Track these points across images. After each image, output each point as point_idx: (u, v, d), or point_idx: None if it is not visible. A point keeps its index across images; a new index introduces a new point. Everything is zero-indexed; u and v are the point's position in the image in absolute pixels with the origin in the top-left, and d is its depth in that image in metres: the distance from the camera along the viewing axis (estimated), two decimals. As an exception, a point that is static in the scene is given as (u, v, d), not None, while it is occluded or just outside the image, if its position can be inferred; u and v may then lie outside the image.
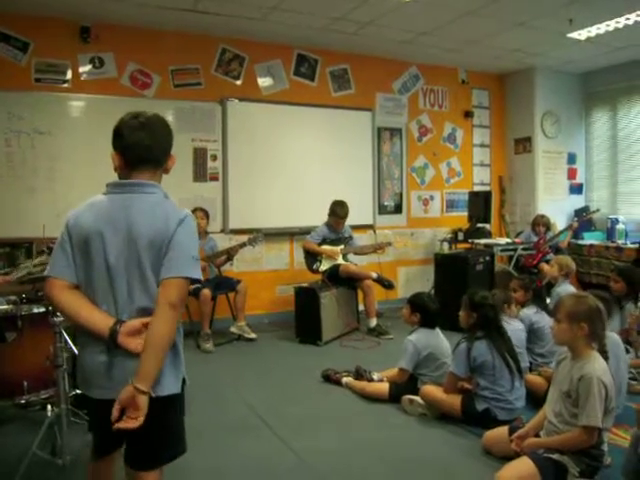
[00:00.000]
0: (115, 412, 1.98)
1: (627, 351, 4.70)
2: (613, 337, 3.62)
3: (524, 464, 2.86)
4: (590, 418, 2.79)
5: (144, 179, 2.16)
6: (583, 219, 8.35)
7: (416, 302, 4.52)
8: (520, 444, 3.09)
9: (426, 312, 4.46)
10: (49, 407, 3.36)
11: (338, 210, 6.71)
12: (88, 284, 2.12)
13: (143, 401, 1.97)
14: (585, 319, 2.96)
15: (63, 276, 2.10)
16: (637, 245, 7.60)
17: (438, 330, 4.51)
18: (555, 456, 2.88)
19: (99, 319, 2.06)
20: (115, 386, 2.05)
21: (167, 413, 2.18)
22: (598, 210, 8.32)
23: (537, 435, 3.12)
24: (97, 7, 5.92)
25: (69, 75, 6.28)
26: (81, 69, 6.33)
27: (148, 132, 2.15)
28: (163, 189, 2.21)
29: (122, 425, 1.96)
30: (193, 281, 2.13)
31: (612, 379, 2.91)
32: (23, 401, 3.79)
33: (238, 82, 7.18)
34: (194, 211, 6.40)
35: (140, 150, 2.14)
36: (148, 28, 6.55)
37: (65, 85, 6.27)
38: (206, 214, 6.49)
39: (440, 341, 4.43)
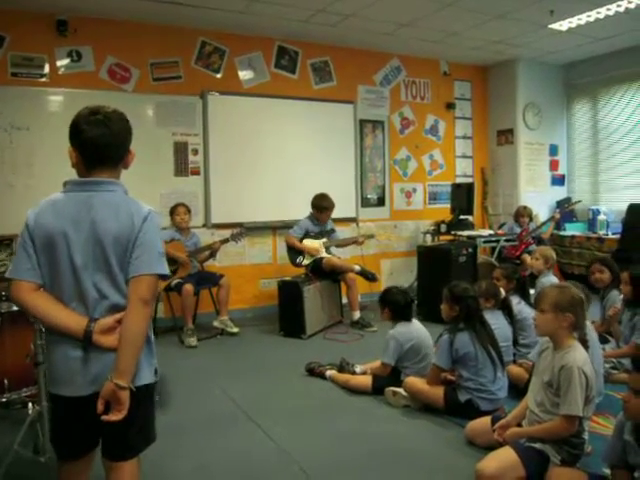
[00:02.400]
0: (100, 406, 2.02)
1: (607, 341, 4.75)
2: (587, 325, 3.64)
3: (506, 454, 2.87)
4: (571, 407, 2.81)
5: (104, 176, 2.15)
6: (565, 210, 8.39)
7: (384, 298, 4.56)
8: (502, 434, 3.10)
9: (395, 306, 4.48)
10: (30, 405, 3.33)
11: (324, 203, 6.69)
12: (54, 284, 2.10)
13: (125, 395, 2.02)
14: (570, 309, 2.98)
15: (29, 278, 2.08)
16: (618, 236, 7.64)
17: (416, 321, 4.53)
18: (537, 445, 2.90)
19: (72, 319, 2.05)
20: (92, 382, 2.07)
21: (144, 402, 2.22)
22: (580, 201, 8.38)
23: (519, 425, 3.14)
24: (74, 0, 5.85)
25: (46, 69, 6.20)
26: (59, 63, 6.25)
27: (108, 129, 2.13)
28: (124, 185, 2.22)
29: (108, 418, 2.02)
30: (161, 277, 2.15)
31: (592, 368, 2.93)
32: (4, 399, 3.74)
33: (218, 75, 7.14)
34: (175, 207, 6.37)
35: (100, 148, 2.13)
36: (126, 21, 6.48)
37: (43, 79, 6.19)
38: (188, 210, 6.44)
39: (421, 333, 4.44)
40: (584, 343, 3.01)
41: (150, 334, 2.23)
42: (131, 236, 2.08)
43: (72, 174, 2.22)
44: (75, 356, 2.08)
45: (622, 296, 4.82)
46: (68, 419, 2.19)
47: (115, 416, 2.02)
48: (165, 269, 2.17)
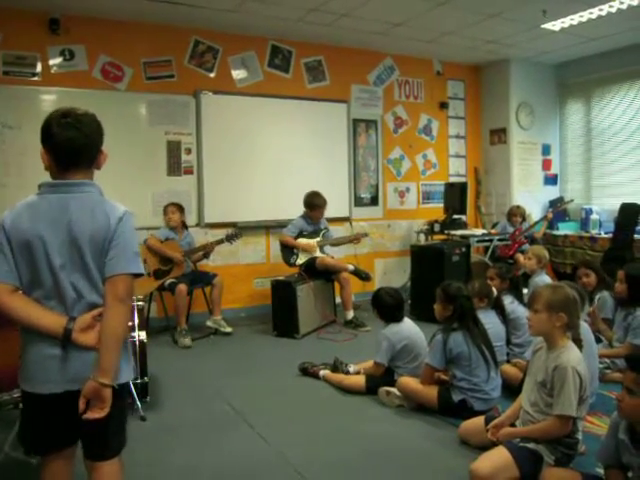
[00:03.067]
0: (81, 405, 2.05)
1: (600, 340, 4.75)
2: (583, 326, 3.65)
3: (500, 454, 2.87)
4: (565, 407, 2.81)
5: (79, 178, 2.16)
6: (558, 209, 8.41)
7: (373, 299, 4.57)
8: (496, 433, 3.11)
9: (381, 307, 4.49)
10: (21, 406, 3.31)
11: (317, 200, 6.69)
12: (32, 286, 2.12)
13: (108, 393, 2.05)
14: (563, 308, 2.98)
15: (6, 280, 2.08)
16: (611, 235, 7.67)
17: (408, 320, 4.53)
18: (530, 445, 2.90)
19: (51, 319, 2.08)
20: (69, 380, 2.10)
21: (123, 400, 2.30)
22: (572, 200, 8.40)
23: (513, 425, 3.14)
24: (66, -2, 5.84)
25: (39, 68, 6.17)
26: (51, 62, 6.22)
27: (79, 131, 2.12)
28: (99, 186, 2.22)
29: (90, 415, 2.05)
30: (136, 276, 2.18)
31: (586, 368, 2.94)
32: (-5, 400, 3.73)
33: (212, 74, 7.12)
34: (166, 206, 6.35)
35: (72, 150, 2.13)
36: (119, 20, 6.45)
37: (35, 78, 6.16)
38: (180, 208, 6.41)
39: (414, 332, 4.44)
40: (578, 343, 3.02)
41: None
42: (107, 236, 2.11)
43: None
44: (53, 354, 2.10)
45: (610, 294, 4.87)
46: (42, 416, 2.20)
47: (97, 414, 2.05)
48: (140, 268, 2.20)
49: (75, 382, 2.09)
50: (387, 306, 4.47)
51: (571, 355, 2.92)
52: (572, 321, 3.00)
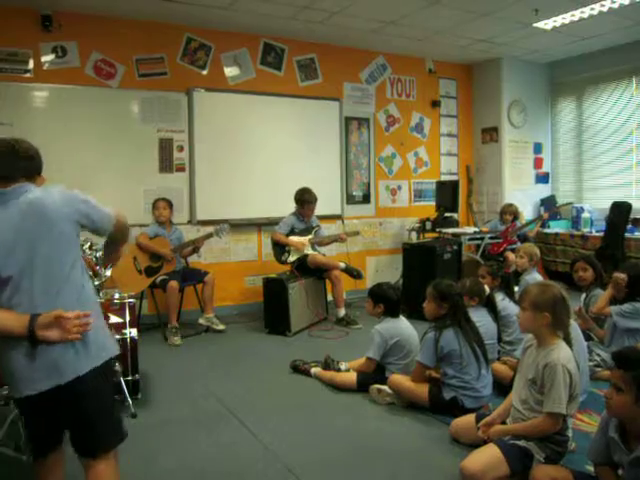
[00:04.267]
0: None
1: (591, 338, 4.77)
2: (572, 324, 3.66)
3: (491, 451, 2.89)
4: (555, 405, 2.83)
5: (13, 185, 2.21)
6: (554, 211, 8.46)
7: (378, 293, 4.55)
8: (487, 431, 3.12)
9: (389, 301, 4.48)
10: (12, 403, 3.31)
11: (307, 196, 6.68)
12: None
13: None
14: (548, 308, 3.00)
15: None
16: (602, 233, 7.70)
17: (403, 318, 4.54)
18: (521, 442, 2.91)
19: (12, 320, 2.08)
20: (41, 377, 2.11)
21: (109, 379, 2.37)
22: (570, 203, 8.44)
23: (504, 422, 3.16)
24: (58, -6, 5.81)
25: (31, 65, 6.13)
26: (43, 58, 6.18)
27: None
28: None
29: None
30: None
31: (577, 366, 2.95)
32: (-16, 398, 3.72)
33: (204, 72, 7.11)
34: (156, 201, 6.34)
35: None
36: (112, 17, 6.43)
37: (27, 75, 6.12)
38: (169, 204, 6.40)
39: (407, 330, 4.45)
40: (568, 342, 3.03)
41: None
42: (62, 216, 2.19)
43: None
44: (23, 354, 2.10)
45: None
46: (30, 415, 2.24)
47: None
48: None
49: (56, 373, 2.11)
50: (390, 300, 4.47)
51: (561, 353, 2.93)
52: (558, 321, 3.01)
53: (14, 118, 5.96)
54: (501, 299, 4.72)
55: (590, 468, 2.76)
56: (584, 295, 5.09)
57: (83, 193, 2.30)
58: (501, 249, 7.65)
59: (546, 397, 2.88)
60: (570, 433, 3.01)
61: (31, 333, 2.04)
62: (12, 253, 2.09)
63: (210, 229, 6.44)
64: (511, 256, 7.13)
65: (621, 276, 4.58)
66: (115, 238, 2.56)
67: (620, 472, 2.49)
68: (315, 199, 6.73)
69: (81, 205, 2.24)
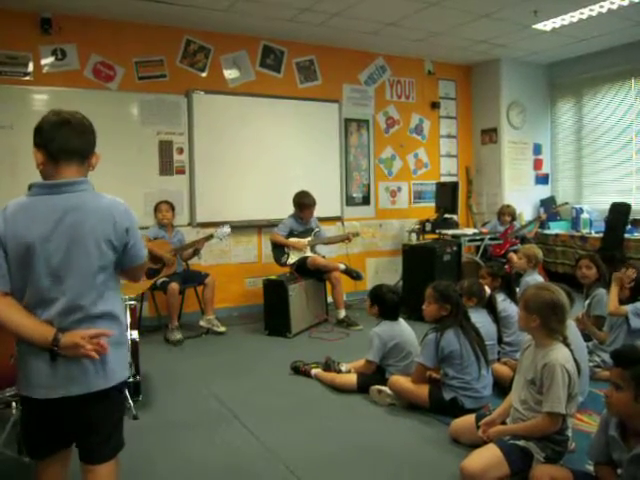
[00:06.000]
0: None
1: (590, 339, 4.77)
2: (570, 324, 3.67)
3: (491, 451, 2.90)
4: (554, 405, 2.84)
5: (72, 177, 2.14)
6: (552, 211, 8.46)
7: (374, 294, 4.56)
8: (487, 431, 3.13)
9: (383, 304, 4.48)
10: (14, 405, 3.31)
11: (306, 200, 6.69)
12: (24, 291, 2.10)
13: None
14: (536, 311, 3.03)
15: None
16: (601, 234, 7.70)
17: (402, 320, 4.54)
18: (521, 442, 2.92)
19: (36, 331, 2.05)
20: (55, 385, 2.09)
21: (120, 399, 2.33)
22: (567, 203, 8.43)
23: (504, 422, 3.16)
24: (58, -3, 5.82)
25: (31, 67, 6.14)
26: (43, 61, 6.20)
27: (73, 130, 2.14)
28: (91, 183, 2.20)
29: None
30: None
31: (576, 366, 2.96)
32: (-13, 400, 3.72)
33: (203, 74, 7.12)
34: (158, 204, 6.35)
35: (65, 149, 2.13)
36: (111, 19, 6.44)
37: (27, 78, 6.13)
38: (171, 207, 6.41)
39: (405, 331, 4.46)
40: (567, 345, 3.03)
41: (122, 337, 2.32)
42: (115, 231, 2.14)
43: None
44: (44, 360, 2.08)
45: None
46: (39, 420, 2.20)
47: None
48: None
49: (70, 386, 2.09)
50: (387, 303, 4.48)
51: (560, 353, 2.94)
52: (549, 325, 3.02)
53: (14, 121, 5.97)
54: (502, 300, 4.72)
55: (590, 467, 2.76)
56: (585, 297, 5.10)
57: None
58: (504, 251, 7.65)
59: (545, 397, 2.89)
60: (570, 433, 3.02)
61: (53, 351, 2.04)
62: (40, 249, 2.05)
63: (210, 231, 6.44)
64: (515, 257, 7.13)
65: (629, 273, 4.64)
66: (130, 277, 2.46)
67: (619, 471, 2.50)
68: (314, 202, 6.73)
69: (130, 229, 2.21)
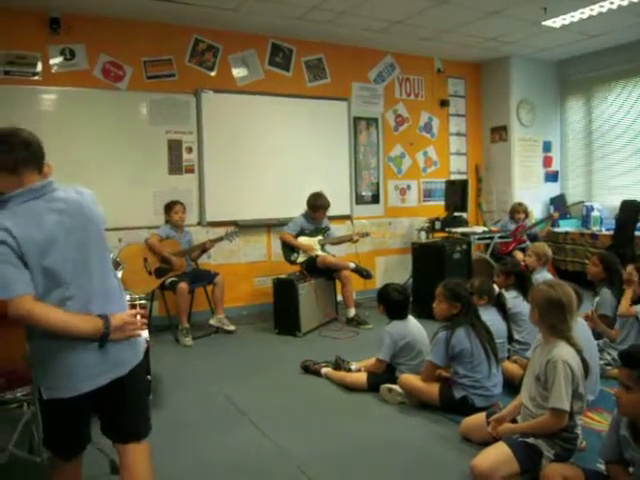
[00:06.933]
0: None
1: (599, 336, 4.75)
2: (579, 322, 3.65)
3: (500, 449, 2.90)
4: (556, 401, 2.85)
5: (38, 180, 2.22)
6: (564, 210, 8.43)
7: (380, 294, 4.59)
8: (497, 427, 3.13)
9: (388, 303, 4.50)
10: (25, 405, 3.33)
11: (320, 202, 6.69)
12: (48, 291, 2.13)
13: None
14: (537, 306, 3.07)
15: (29, 291, 2.07)
16: (612, 232, 7.67)
17: (412, 318, 4.54)
18: (530, 440, 2.92)
19: (85, 322, 2.15)
20: (103, 371, 2.23)
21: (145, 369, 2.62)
22: (582, 202, 8.40)
23: (514, 421, 3.16)
24: (66, -3, 5.84)
25: (39, 67, 6.16)
26: (52, 61, 6.21)
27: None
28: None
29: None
30: None
31: (581, 363, 2.95)
32: (-1, 399, 3.74)
33: (212, 73, 7.12)
34: (173, 205, 6.33)
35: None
36: (120, 19, 6.46)
37: (35, 78, 6.15)
38: (184, 208, 6.43)
39: (416, 330, 4.45)
40: (571, 345, 3.01)
41: None
42: (100, 219, 2.32)
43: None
44: (91, 351, 2.18)
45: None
46: (72, 417, 2.29)
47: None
48: None
49: (116, 369, 2.25)
50: (394, 303, 4.48)
51: (563, 350, 2.95)
52: (548, 321, 3.04)
53: (23, 121, 5.88)
54: (513, 297, 4.71)
55: (602, 466, 2.76)
56: (594, 295, 5.09)
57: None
58: (510, 248, 7.64)
59: (549, 393, 2.90)
60: (579, 431, 3.01)
61: (105, 336, 2.15)
62: (54, 250, 2.11)
63: (220, 230, 6.46)
64: (519, 255, 7.13)
65: (628, 270, 4.66)
66: None
67: (631, 470, 2.49)
68: (328, 205, 6.74)
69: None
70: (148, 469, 2.39)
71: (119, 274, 3.99)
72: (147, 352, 4.13)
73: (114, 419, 2.36)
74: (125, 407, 2.34)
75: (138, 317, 2.28)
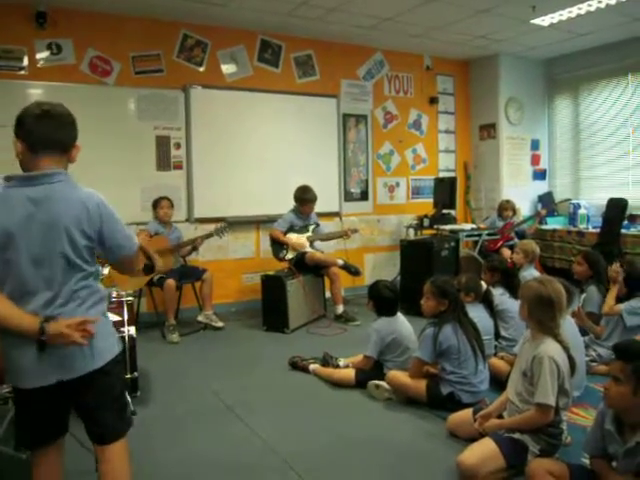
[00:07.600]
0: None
1: (587, 333, 4.78)
2: (566, 319, 3.68)
3: (486, 444, 2.92)
4: (541, 396, 2.88)
5: (51, 168, 2.17)
6: (552, 207, 8.46)
7: (370, 290, 4.60)
8: (483, 423, 3.16)
9: (379, 300, 4.51)
10: (10, 401, 3.30)
11: (307, 195, 6.69)
12: (4, 282, 2.12)
13: None
14: (526, 301, 3.11)
15: None
16: (599, 229, 7.71)
17: (400, 315, 4.55)
18: (515, 435, 2.95)
19: (25, 320, 2.08)
20: (47, 372, 2.14)
21: (119, 373, 2.44)
22: (568, 199, 8.43)
23: (500, 416, 3.18)
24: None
25: (25, 62, 6.09)
26: (38, 55, 6.15)
27: (53, 121, 2.20)
28: (69, 175, 2.24)
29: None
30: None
31: (568, 360, 2.98)
32: (-16, 396, 3.71)
33: (201, 69, 7.10)
34: (159, 200, 6.33)
35: (46, 139, 2.18)
36: (107, 13, 6.41)
37: (22, 72, 6.09)
38: (171, 204, 6.41)
39: (403, 327, 4.46)
40: (558, 342, 3.04)
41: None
42: (89, 223, 2.16)
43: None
44: (31, 349, 2.11)
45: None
46: (33, 408, 2.25)
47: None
48: (136, 242, 2.38)
49: (61, 373, 2.15)
50: (385, 299, 4.49)
51: (550, 346, 2.98)
52: (536, 317, 3.08)
53: (9, 117, 5.84)
54: (500, 294, 4.73)
55: (586, 461, 2.78)
56: (580, 293, 5.11)
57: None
58: (497, 246, 7.66)
59: (535, 389, 2.93)
60: (564, 426, 3.04)
61: (41, 341, 2.07)
62: (19, 241, 2.09)
63: (208, 227, 6.44)
64: (507, 252, 7.16)
65: (614, 267, 4.70)
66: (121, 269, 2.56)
67: (614, 464, 2.51)
68: (315, 198, 6.74)
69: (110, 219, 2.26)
70: (122, 470, 2.35)
71: (105, 270, 3.96)
72: (134, 349, 4.17)
73: (83, 419, 2.32)
74: (87, 410, 2.28)
75: (90, 326, 2.12)
